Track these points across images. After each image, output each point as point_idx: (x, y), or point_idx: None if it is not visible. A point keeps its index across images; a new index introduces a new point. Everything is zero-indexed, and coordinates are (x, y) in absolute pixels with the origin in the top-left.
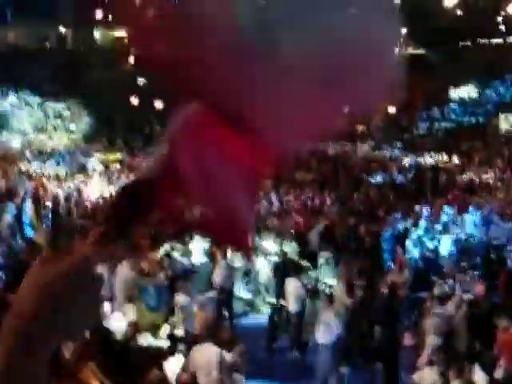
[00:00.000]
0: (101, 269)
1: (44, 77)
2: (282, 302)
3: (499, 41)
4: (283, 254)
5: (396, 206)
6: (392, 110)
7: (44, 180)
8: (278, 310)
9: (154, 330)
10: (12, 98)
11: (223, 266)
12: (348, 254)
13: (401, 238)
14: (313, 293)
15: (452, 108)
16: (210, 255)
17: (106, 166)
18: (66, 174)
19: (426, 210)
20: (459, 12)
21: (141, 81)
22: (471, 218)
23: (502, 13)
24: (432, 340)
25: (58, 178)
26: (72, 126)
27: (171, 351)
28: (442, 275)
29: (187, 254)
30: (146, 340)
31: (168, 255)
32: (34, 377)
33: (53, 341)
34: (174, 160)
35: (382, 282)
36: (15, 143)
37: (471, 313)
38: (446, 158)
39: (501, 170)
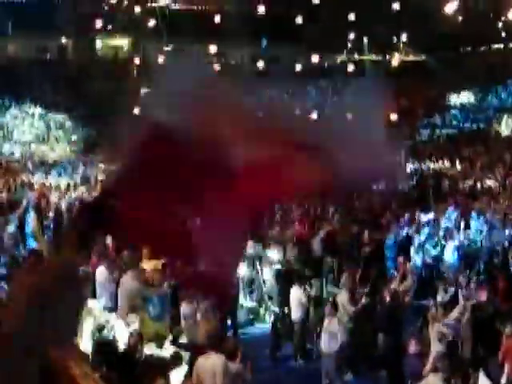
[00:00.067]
0: (104, 278)
1: (45, 88)
2: (285, 310)
3: (500, 46)
4: (286, 263)
5: (399, 213)
6: (393, 116)
7: (46, 191)
8: (281, 318)
9: (158, 339)
10: (13, 109)
11: None
12: (351, 262)
13: (404, 246)
14: (316, 301)
15: (453, 114)
16: None
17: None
18: (69, 184)
19: (426, 217)
20: (460, 18)
21: (142, 91)
22: (474, 224)
23: (503, 18)
24: (436, 347)
25: (60, 188)
26: (74, 137)
27: (175, 361)
28: (446, 282)
29: None
30: (150, 350)
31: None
32: (30, 377)
33: (43, 339)
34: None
35: (385, 289)
36: (17, 154)
37: (475, 319)
38: (448, 164)
39: (502, 176)
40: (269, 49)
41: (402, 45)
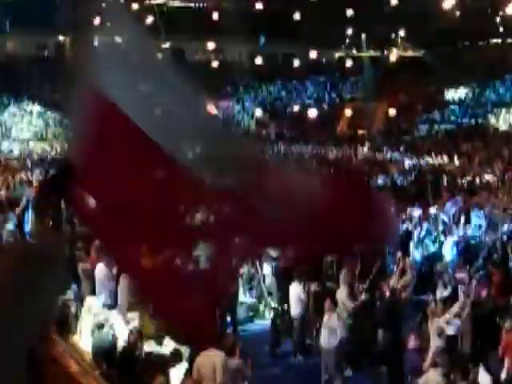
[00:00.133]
0: (104, 275)
1: (44, 85)
2: (284, 306)
3: (498, 41)
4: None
5: (397, 208)
6: (392, 112)
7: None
8: (281, 314)
9: (158, 337)
10: (12, 107)
11: None
12: (350, 258)
13: (403, 241)
14: (316, 297)
15: (452, 109)
16: None
17: None
18: None
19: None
20: (458, 13)
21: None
22: (473, 219)
23: (501, 13)
24: (436, 342)
25: None
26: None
27: (175, 358)
28: (445, 277)
29: None
30: (149, 347)
31: None
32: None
33: (26, 321)
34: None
35: (384, 285)
36: (16, 152)
37: (475, 314)
38: (446, 159)
39: (501, 171)
40: (267, 45)
41: (400, 40)
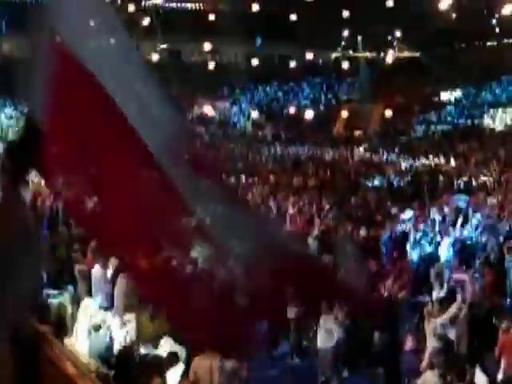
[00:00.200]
0: (100, 277)
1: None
2: None
3: (494, 43)
4: None
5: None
6: (388, 113)
7: (42, 190)
8: None
9: (155, 338)
10: (8, 109)
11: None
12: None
13: (400, 241)
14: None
15: (448, 110)
16: None
17: None
18: None
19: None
20: (454, 14)
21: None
22: (469, 220)
23: (497, 14)
24: (432, 343)
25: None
26: None
27: (172, 360)
28: (442, 278)
29: None
30: (146, 349)
31: None
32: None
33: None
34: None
35: (381, 286)
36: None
37: (471, 315)
38: (442, 160)
39: (497, 172)
40: (263, 47)
41: (396, 42)
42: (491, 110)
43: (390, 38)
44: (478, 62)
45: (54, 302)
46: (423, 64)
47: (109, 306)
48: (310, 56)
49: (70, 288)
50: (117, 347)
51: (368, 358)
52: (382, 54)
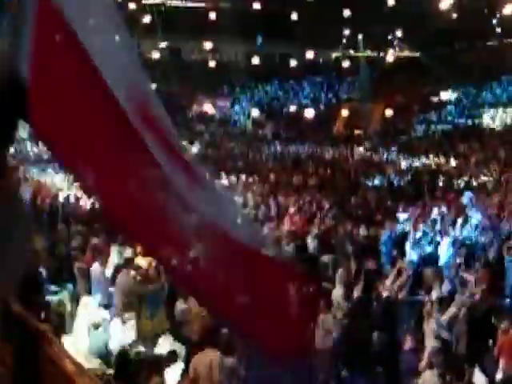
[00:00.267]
0: (99, 275)
1: None
2: None
3: (495, 43)
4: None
5: (394, 208)
6: (389, 112)
7: (42, 188)
8: None
9: (154, 336)
10: None
11: None
12: (346, 258)
13: (399, 241)
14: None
15: (448, 110)
16: None
17: None
18: (64, 181)
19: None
20: (454, 14)
21: None
22: (469, 220)
23: (498, 14)
24: (431, 343)
25: (55, 185)
26: None
27: (171, 358)
28: (441, 278)
29: None
30: (145, 347)
31: None
32: None
33: None
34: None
35: (380, 285)
36: (12, 151)
37: (471, 314)
38: (443, 160)
39: (497, 172)
40: (264, 45)
41: (396, 41)
42: (491, 110)
43: (390, 37)
44: (479, 62)
45: (53, 299)
46: (423, 63)
47: (108, 304)
48: (310, 55)
49: (70, 286)
50: (116, 345)
51: (367, 358)
52: (383, 53)
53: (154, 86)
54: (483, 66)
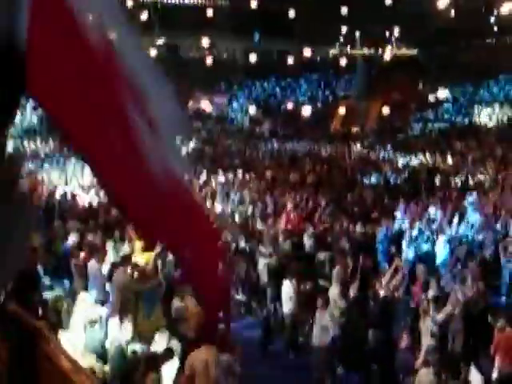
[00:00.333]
0: (96, 272)
1: None
2: (277, 304)
3: (492, 41)
4: (278, 257)
5: (391, 206)
6: (386, 110)
7: (38, 184)
8: (273, 312)
9: (151, 333)
10: None
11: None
12: (342, 256)
13: (396, 239)
14: (308, 295)
15: (445, 108)
16: None
17: None
18: (61, 177)
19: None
20: (452, 12)
21: None
22: (466, 218)
23: (495, 13)
24: (428, 341)
25: (52, 182)
26: None
27: (167, 355)
28: (438, 276)
29: None
30: (142, 345)
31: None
32: None
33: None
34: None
35: (377, 283)
36: (9, 148)
37: (467, 313)
38: (439, 158)
39: (494, 170)
40: (261, 42)
41: (394, 39)
42: (488, 109)
43: (388, 35)
44: (476, 61)
45: (50, 296)
46: (421, 61)
47: (105, 301)
48: (307, 52)
49: (66, 282)
50: (112, 342)
51: (363, 356)
52: (380, 51)
53: None
54: (481, 65)
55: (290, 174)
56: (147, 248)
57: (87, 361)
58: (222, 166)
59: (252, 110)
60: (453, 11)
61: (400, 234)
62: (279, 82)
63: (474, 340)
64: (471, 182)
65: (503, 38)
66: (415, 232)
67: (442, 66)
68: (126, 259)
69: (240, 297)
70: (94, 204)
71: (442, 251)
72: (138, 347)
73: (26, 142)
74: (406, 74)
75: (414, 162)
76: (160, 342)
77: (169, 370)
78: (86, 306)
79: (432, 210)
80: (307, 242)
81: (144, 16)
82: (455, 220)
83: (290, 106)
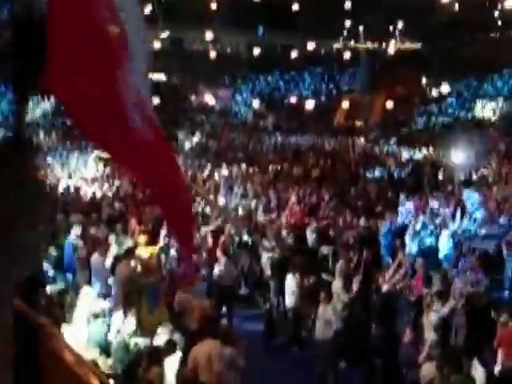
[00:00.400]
0: (99, 265)
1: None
2: (280, 298)
3: (496, 35)
4: (282, 251)
5: (394, 200)
6: (389, 104)
7: (41, 177)
8: (276, 306)
9: (154, 328)
10: (9, 95)
11: (223, 263)
12: (345, 250)
13: (399, 233)
14: (311, 288)
15: (449, 102)
16: (209, 252)
17: (105, 164)
18: (64, 171)
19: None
20: (456, 6)
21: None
22: (469, 213)
23: (499, 7)
24: (431, 335)
25: (55, 175)
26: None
27: (170, 348)
28: (441, 270)
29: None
30: (144, 338)
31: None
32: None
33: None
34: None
35: (380, 277)
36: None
37: (470, 307)
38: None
39: (497, 165)
40: (265, 36)
41: (398, 33)
42: (492, 103)
43: (391, 29)
44: (480, 55)
45: (53, 289)
46: (425, 55)
47: (108, 294)
48: (311, 46)
49: (69, 276)
50: (115, 336)
51: (366, 350)
52: (384, 44)
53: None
54: (484, 59)
55: (294, 168)
56: (151, 242)
57: (90, 354)
58: (225, 159)
59: (256, 103)
60: (457, 5)
61: (403, 228)
62: (283, 76)
63: (476, 334)
64: (474, 177)
65: (507, 32)
66: (419, 226)
67: (446, 60)
68: (129, 253)
69: (243, 290)
70: (97, 197)
71: (445, 245)
72: (140, 341)
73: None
74: (410, 68)
75: (418, 155)
76: (163, 336)
77: (171, 363)
78: (89, 299)
79: (435, 204)
80: (310, 235)
81: (148, 9)
82: (458, 214)
83: (293, 99)
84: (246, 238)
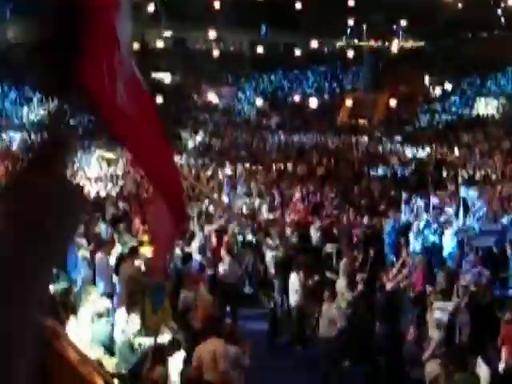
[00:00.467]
0: (103, 264)
1: None
2: (284, 296)
3: (499, 33)
4: (286, 249)
5: (398, 198)
6: (393, 102)
7: None
8: (280, 304)
9: (158, 327)
10: (12, 94)
11: (227, 262)
12: (349, 248)
13: (403, 232)
14: (315, 287)
15: (452, 100)
16: (213, 252)
17: (108, 163)
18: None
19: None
20: (459, 4)
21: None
22: (473, 211)
23: (502, 5)
24: (435, 333)
25: None
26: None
27: (173, 347)
28: (445, 268)
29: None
30: (149, 338)
31: None
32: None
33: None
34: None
35: (384, 275)
36: (17, 140)
37: (474, 305)
38: (446, 150)
39: (501, 163)
40: (268, 35)
41: (401, 31)
42: (496, 101)
43: (395, 27)
44: (483, 53)
45: (57, 288)
46: (428, 54)
47: (112, 293)
48: (314, 44)
49: (73, 275)
50: (119, 335)
51: (370, 348)
52: (387, 43)
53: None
54: (487, 57)
55: (297, 167)
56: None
57: (94, 353)
58: (229, 158)
59: (259, 102)
60: (460, 3)
61: (407, 226)
62: (286, 75)
63: (480, 332)
64: (478, 175)
65: (510, 30)
66: (422, 224)
67: (449, 59)
68: (133, 252)
69: (247, 289)
70: (101, 197)
71: (449, 243)
72: (144, 340)
73: (33, 135)
74: (413, 66)
75: (422, 154)
76: (167, 335)
77: (175, 361)
78: (93, 298)
79: (439, 203)
80: (314, 234)
81: (151, 8)
82: (461, 212)
83: (296, 98)
84: (249, 236)
